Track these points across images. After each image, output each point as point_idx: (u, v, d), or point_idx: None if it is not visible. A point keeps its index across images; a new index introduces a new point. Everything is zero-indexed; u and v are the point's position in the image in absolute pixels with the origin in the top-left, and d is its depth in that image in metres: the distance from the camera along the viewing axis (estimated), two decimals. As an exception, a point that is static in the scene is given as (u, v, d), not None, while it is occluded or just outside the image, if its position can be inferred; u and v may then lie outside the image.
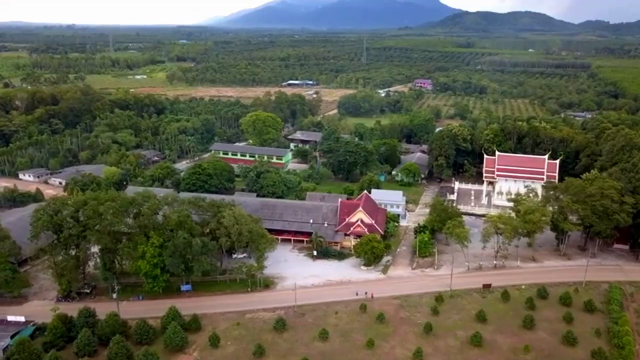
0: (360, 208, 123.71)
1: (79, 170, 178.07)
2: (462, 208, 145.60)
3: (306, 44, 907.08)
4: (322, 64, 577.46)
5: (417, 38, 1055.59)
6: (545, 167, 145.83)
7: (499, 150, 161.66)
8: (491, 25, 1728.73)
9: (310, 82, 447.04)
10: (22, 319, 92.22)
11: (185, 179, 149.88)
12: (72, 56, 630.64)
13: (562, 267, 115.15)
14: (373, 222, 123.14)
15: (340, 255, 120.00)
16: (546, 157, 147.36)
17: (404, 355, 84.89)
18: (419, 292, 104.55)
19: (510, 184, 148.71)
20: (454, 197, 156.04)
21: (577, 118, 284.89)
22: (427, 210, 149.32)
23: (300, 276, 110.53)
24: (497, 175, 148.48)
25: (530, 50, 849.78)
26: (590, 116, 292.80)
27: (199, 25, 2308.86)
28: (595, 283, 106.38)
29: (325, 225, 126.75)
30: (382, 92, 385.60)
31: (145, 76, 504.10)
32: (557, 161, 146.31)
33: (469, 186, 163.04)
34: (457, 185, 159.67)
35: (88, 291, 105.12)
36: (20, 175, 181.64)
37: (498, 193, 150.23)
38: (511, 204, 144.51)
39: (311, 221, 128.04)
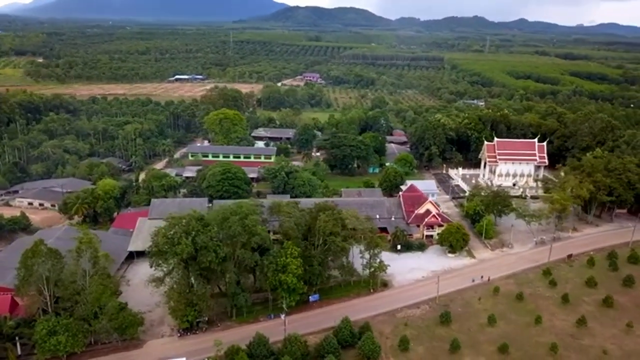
0: (430, 199, 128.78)
1: (48, 187, 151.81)
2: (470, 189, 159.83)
3: (153, 36, 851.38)
4: (196, 58, 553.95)
5: (262, 32, 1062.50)
6: (536, 149, 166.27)
7: (479, 137, 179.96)
8: (320, 20, 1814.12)
9: (200, 77, 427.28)
10: (182, 360, 79.33)
11: (215, 186, 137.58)
12: None
13: (599, 232, 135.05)
14: (440, 211, 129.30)
15: (422, 247, 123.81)
16: (536, 140, 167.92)
17: (567, 325, 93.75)
18: (520, 269, 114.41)
19: (508, 166, 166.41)
20: (457, 182, 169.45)
21: (474, 105, 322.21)
22: (447, 197, 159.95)
23: (404, 271, 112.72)
24: (499, 159, 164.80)
25: (372, 44, 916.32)
26: (482, 104, 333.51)
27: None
28: (636, 242, 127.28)
29: (393, 219, 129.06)
30: (279, 85, 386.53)
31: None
32: (545, 143, 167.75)
33: (465, 171, 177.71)
34: (460, 171, 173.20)
35: (206, 318, 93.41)
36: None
37: (498, 175, 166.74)
38: (510, 184, 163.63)
39: (377, 216, 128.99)
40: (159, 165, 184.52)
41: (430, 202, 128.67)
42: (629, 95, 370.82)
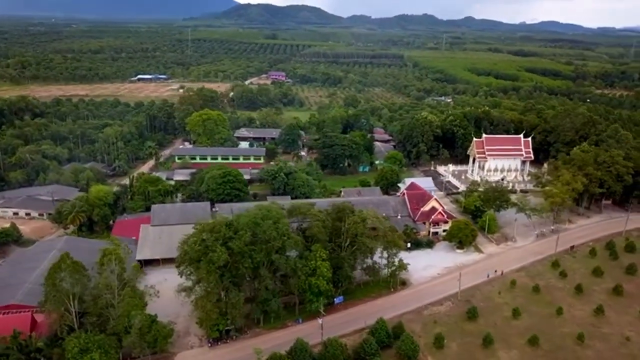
0: (435, 197, 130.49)
1: (33, 195, 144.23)
2: (462, 185, 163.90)
3: (104, 34, 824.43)
4: (154, 57, 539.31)
5: (217, 29, 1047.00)
6: (522, 144, 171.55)
7: (465, 134, 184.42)
8: (273, 18, 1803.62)
9: (163, 76, 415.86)
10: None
11: (215, 189, 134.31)
12: None
13: (592, 223, 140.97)
14: (444, 208, 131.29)
15: (430, 244, 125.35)
16: (522, 136, 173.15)
17: (586, 314, 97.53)
18: (528, 262, 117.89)
19: (497, 161, 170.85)
20: (447, 178, 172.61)
21: (444, 102, 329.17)
22: (440, 193, 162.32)
23: (418, 268, 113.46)
24: (488, 155, 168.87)
25: (330, 42, 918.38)
26: (450, 100, 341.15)
27: None
28: (628, 231, 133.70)
29: (399, 217, 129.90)
30: (247, 84, 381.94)
31: None
32: (530, 139, 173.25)
33: (455, 167, 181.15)
34: (451, 167, 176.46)
35: (237, 326, 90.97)
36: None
37: (487, 170, 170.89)
38: (499, 179, 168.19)
39: (384, 215, 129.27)
40: (143, 169, 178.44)
41: (435, 199, 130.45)
42: (584, 91, 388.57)
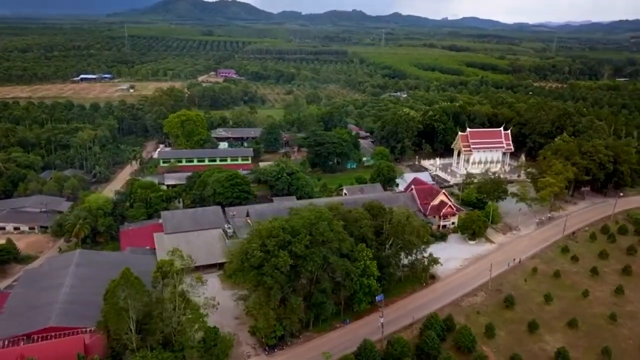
0: (443, 191, 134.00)
1: (17, 208, 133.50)
2: (451, 178, 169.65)
3: (26, 32, 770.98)
4: (91, 55, 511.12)
5: (151, 26, 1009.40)
6: (503, 137, 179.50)
7: (445, 128, 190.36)
8: (202, 13, 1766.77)
9: (108, 76, 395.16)
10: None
11: (223, 193, 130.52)
12: None
13: (581, 210, 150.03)
14: (451, 202, 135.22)
15: (444, 237, 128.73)
16: (502, 129, 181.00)
17: (607, 294, 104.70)
18: (538, 249, 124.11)
19: (481, 154, 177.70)
20: (435, 172, 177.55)
21: (403, 98, 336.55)
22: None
23: (441, 261, 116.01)
24: (473, 148, 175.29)
25: (267, 38, 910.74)
26: (405, 95, 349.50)
27: None
28: (615, 215, 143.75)
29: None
30: (200, 82, 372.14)
31: None
32: (509, 131, 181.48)
33: (443, 161, 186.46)
34: (438, 161, 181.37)
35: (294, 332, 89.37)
36: None
37: (472, 163, 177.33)
38: (482, 171, 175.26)
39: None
40: (124, 174, 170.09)
41: (444, 193, 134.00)
42: (526, 84, 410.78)
